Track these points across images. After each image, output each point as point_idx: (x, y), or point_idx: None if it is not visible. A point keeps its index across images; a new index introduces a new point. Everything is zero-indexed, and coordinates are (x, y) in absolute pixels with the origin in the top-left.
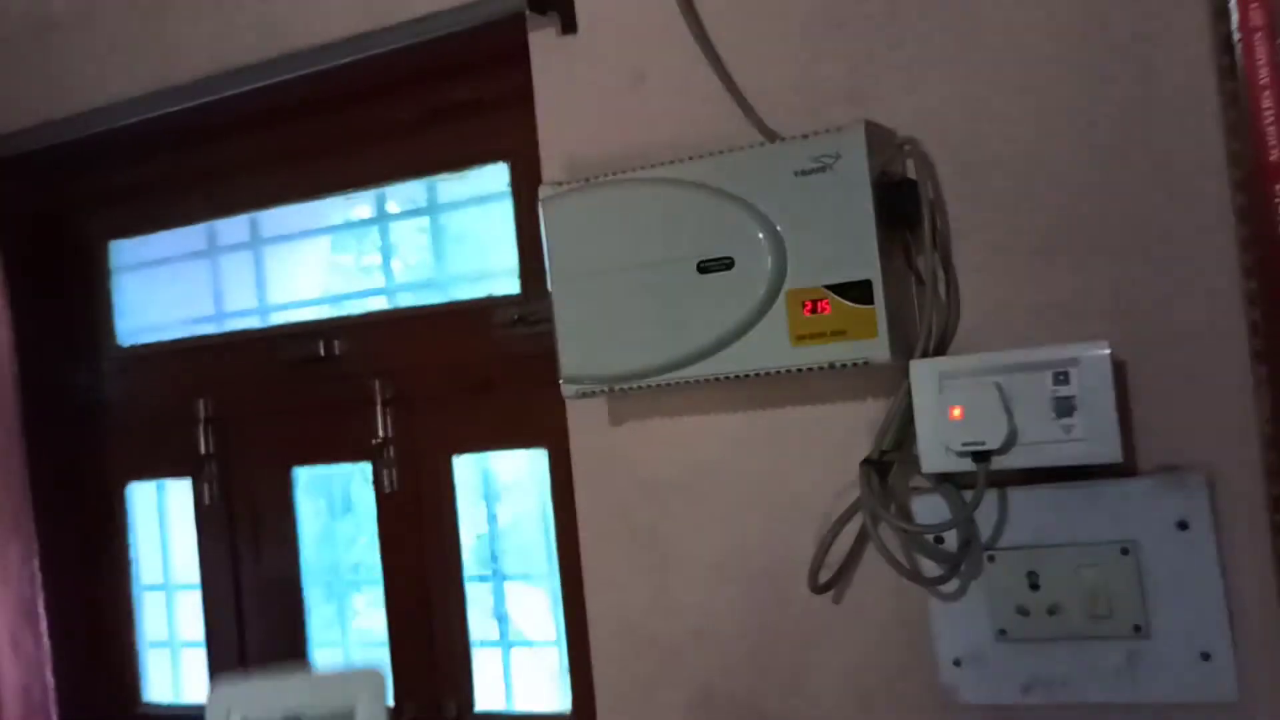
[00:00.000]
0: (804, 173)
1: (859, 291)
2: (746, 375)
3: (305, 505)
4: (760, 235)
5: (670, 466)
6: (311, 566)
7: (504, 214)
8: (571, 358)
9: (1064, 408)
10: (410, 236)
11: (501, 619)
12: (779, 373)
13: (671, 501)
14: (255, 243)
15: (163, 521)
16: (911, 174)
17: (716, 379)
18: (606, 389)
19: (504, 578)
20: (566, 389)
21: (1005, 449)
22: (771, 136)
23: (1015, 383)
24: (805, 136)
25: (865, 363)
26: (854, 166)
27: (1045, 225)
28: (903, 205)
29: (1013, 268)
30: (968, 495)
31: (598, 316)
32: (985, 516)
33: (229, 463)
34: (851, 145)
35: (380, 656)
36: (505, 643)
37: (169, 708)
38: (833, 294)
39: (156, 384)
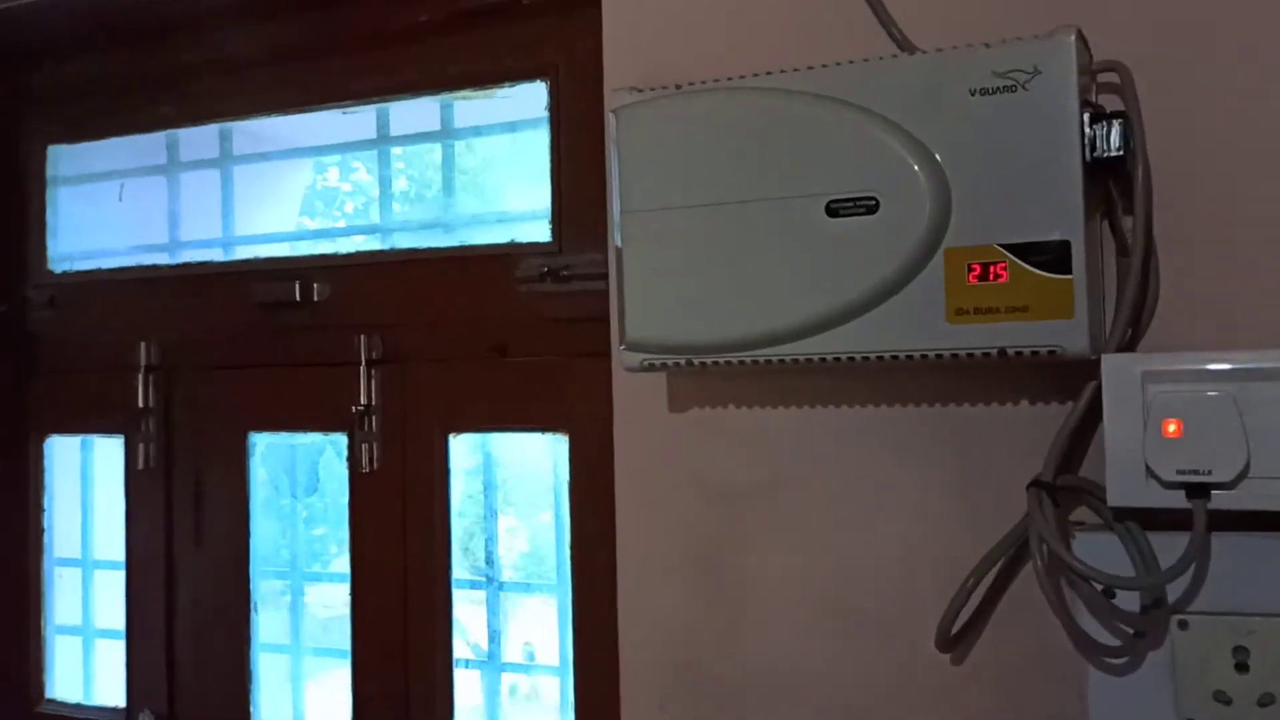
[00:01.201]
0: (984, 91)
1: (1052, 256)
2: (880, 357)
3: (261, 479)
4: (916, 169)
5: (749, 470)
6: (263, 553)
7: (535, 145)
8: (638, 318)
9: None
10: (417, 166)
11: (493, 635)
12: (926, 356)
13: (747, 515)
14: (225, 160)
15: (86, 485)
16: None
17: (836, 359)
18: (681, 361)
19: (501, 586)
20: (627, 358)
21: (1236, 483)
22: (908, 48)
23: (1251, 395)
24: (989, 45)
25: (1053, 352)
26: (1058, 88)
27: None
28: (1109, 147)
29: (1239, 250)
30: (1159, 540)
31: (679, 267)
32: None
33: (172, 421)
34: (1057, 58)
35: (339, 670)
36: (495, 664)
37: (76, 708)
38: (1013, 257)
39: (92, 320)
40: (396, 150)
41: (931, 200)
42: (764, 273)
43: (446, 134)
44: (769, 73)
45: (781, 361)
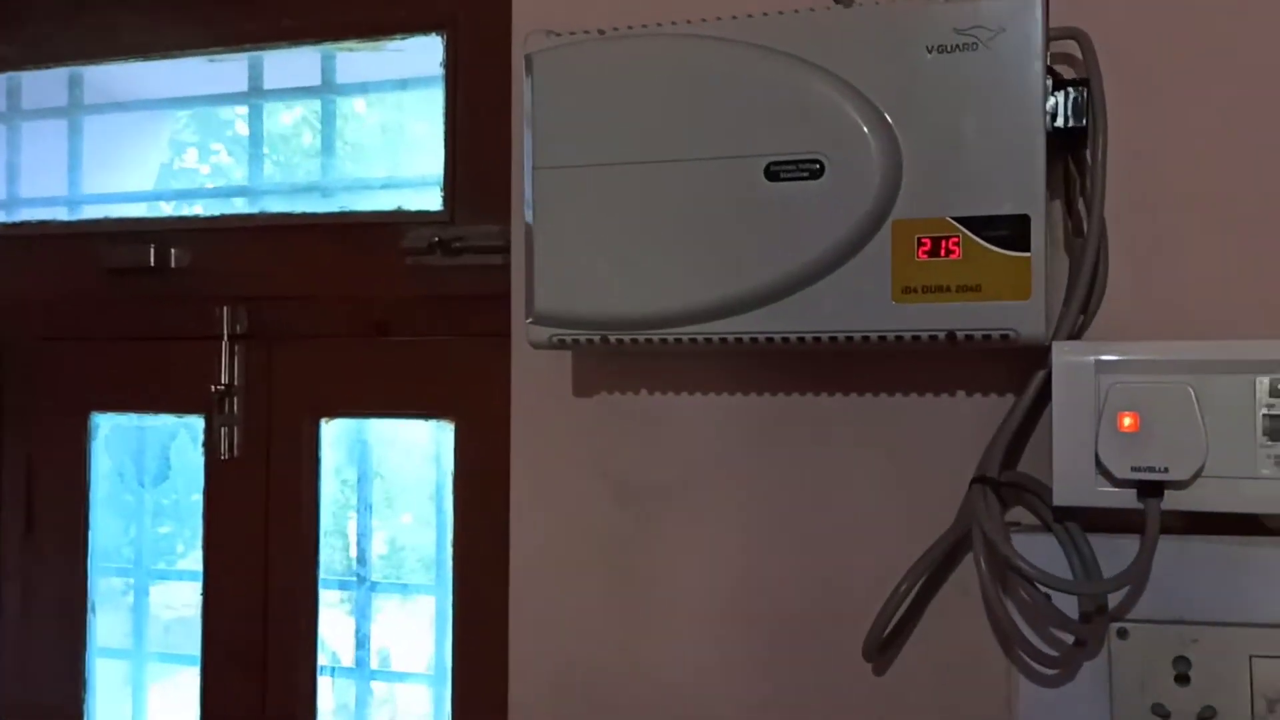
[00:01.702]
0: (943, 49)
1: (1009, 231)
2: (818, 338)
3: (103, 465)
4: (866, 132)
5: (660, 462)
6: (104, 549)
7: (426, 105)
8: (548, 288)
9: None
10: (292, 123)
11: (362, 640)
12: (869, 338)
13: (657, 511)
14: (74, 109)
15: None
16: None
17: (769, 339)
18: (595, 338)
19: (373, 587)
20: (534, 333)
21: (1191, 482)
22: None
23: (1208, 388)
24: None
25: (1006, 336)
26: (1022, 48)
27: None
28: (1073, 119)
29: (1194, 237)
30: (1105, 544)
31: (597, 231)
32: (1112, 572)
33: (3, 399)
34: (1022, 16)
35: (188, 678)
36: (364, 672)
37: None
38: (967, 231)
39: None
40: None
41: (881, 166)
42: (693, 241)
43: (328, 89)
44: (705, 20)
45: (709, 341)
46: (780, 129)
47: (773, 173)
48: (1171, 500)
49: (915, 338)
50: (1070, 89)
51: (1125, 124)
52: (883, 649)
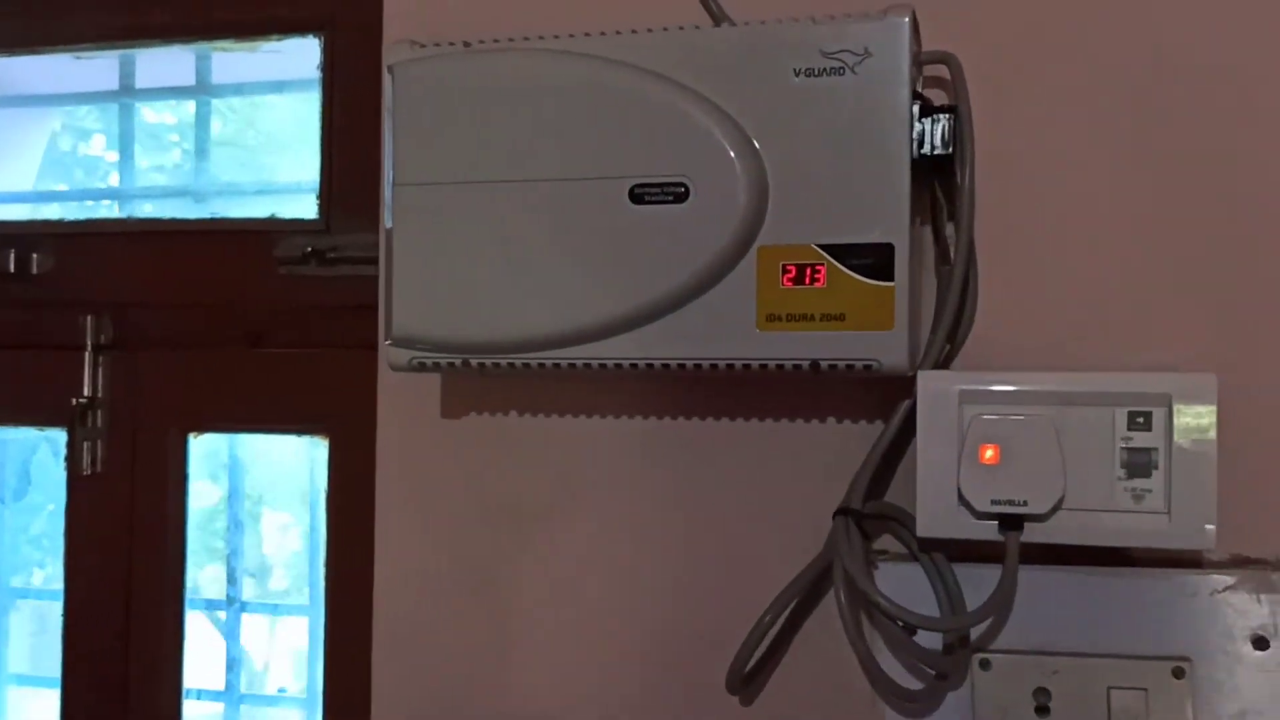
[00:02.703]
0: (810, 72)
1: (873, 260)
2: (682, 365)
3: None
4: (732, 155)
5: (531, 484)
6: None
7: (304, 109)
8: (408, 309)
9: (1139, 464)
10: (165, 125)
11: (233, 663)
12: (734, 366)
13: (526, 534)
14: None
15: None
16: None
17: (633, 365)
18: (457, 362)
19: (244, 607)
20: (393, 355)
21: (1050, 515)
22: (726, 20)
23: (1069, 420)
24: (817, 20)
25: (869, 366)
26: (889, 73)
27: (1129, 211)
28: (939, 145)
29: (1062, 265)
30: (966, 573)
31: (458, 252)
32: (978, 603)
33: None
34: (889, 40)
35: (47, 707)
36: (234, 696)
37: None
38: (831, 259)
39: None
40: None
41: (747, 191)
42: (556, 264)
43: (202, 90)
44: (573, 35)
45: (573, 366)
46: (645, 151)
47: (637, 195)
48: (1032, 533)
49: (779, 366)
50: (939, 115)
51: (998, 149)
52: (748, 680)
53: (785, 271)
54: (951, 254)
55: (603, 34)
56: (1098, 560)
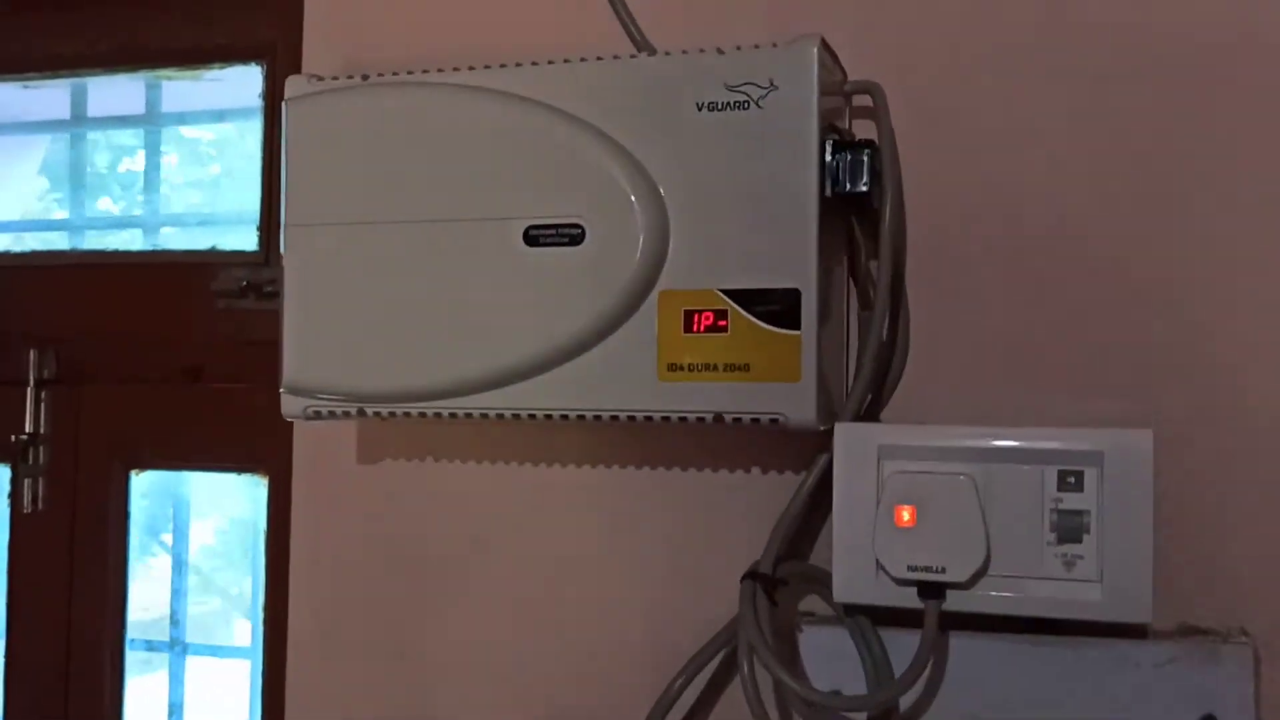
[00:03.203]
0: (713, 107)
1: (778, 306)
2: (581, 415)
3: None
4: (632, 198)
5: (444, 533)
6: None
7: (248, 138)
8: (300, 356)
9: (1070, 527)
10: (116, 155)
11: (174, 708)
12: (635, 418)
13: (439, 586)
14: None
15: None
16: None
17: (530, 416)
18: (352, 411)
19: (186, 650)
20: (288, 404)
21: (973, 582)
22: (648, 49)
23: (995, 479)
24: (721, 51)
25: (776, 420)
26: (795, 107)
27: (1059, 252)
28: (855, 181)
29: (994, 305)
30: (896, 639)
31: (351, 296)
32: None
33: None
34: (796, 71)
35: None
36: None
37: None
38: (735, 305)
39: None
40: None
41: (646, 232)
42: (450, 309)
43: (151, 119)
44: (472, 67)
45: (469, 416)
46: (539, 189)
47: (532, 237)
48: (955, 600)
49: (682, 419)
50: (856, 150)
51: (932, 182)
52: None
53: (687, 318)
54: (872, 298)
55: (503, 66)
56: (1035, 626)
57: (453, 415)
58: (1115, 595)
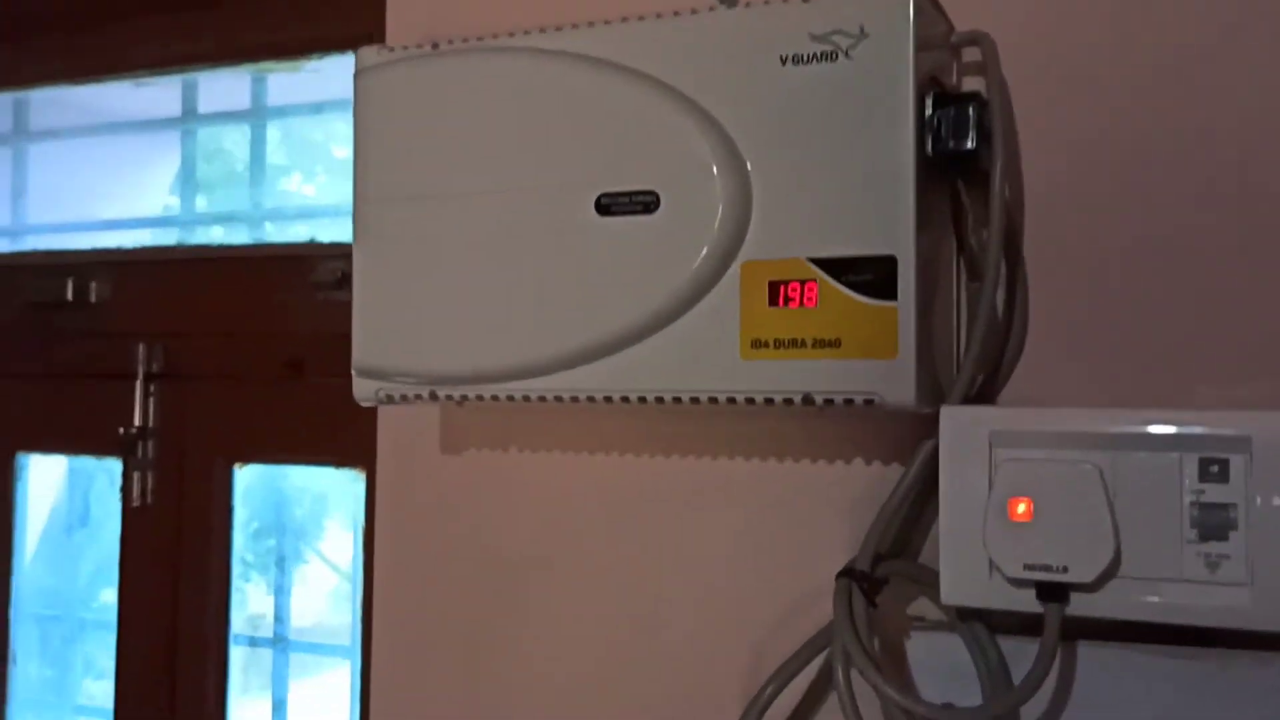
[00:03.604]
0: (797, 59)
1: (873, 275)
2: (658, 398)
3: (38, 507)
4: (710, 159)
5: (530, 529)
6: (27, 597)
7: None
8: (371, 337)
9: (1214, 523)
10: (225, 148)
11: (278, 705)
12: (716, 400)
13: (524, 585)
14: (19, 136)
15: None
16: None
17: (605, 398)
18: (425, 394)
19: (289, 646)
20: (360, 388)
21: (1100, 584)
22: (728, 1)
23: (1125, 468)
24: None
25: (870, 401)
26: (889, 57)
27: (1195, 216)
28: (959, 139)
29: (1123, 276)
30: (1017, 648)
31: (422, 274)
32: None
33: None
34: (889, 19)
35: None
36: None
37: None
38: (825, 275)
39: None
40: None
41: (726, 198)
42: (520, 285)
43: (256, 114)
44: (542, 30)
45: (542, 399)
46: (611, 155)
47: (604, 206)
48: (1079, 605)
49: (768, 400)
50: (966, 104)
51: (1050, 141)
52: None
53: (772, 290)
54: (982, 267)
55: (574, 27)
56: (1174, 636)
57: (525, 399)
58: (1267, 600)
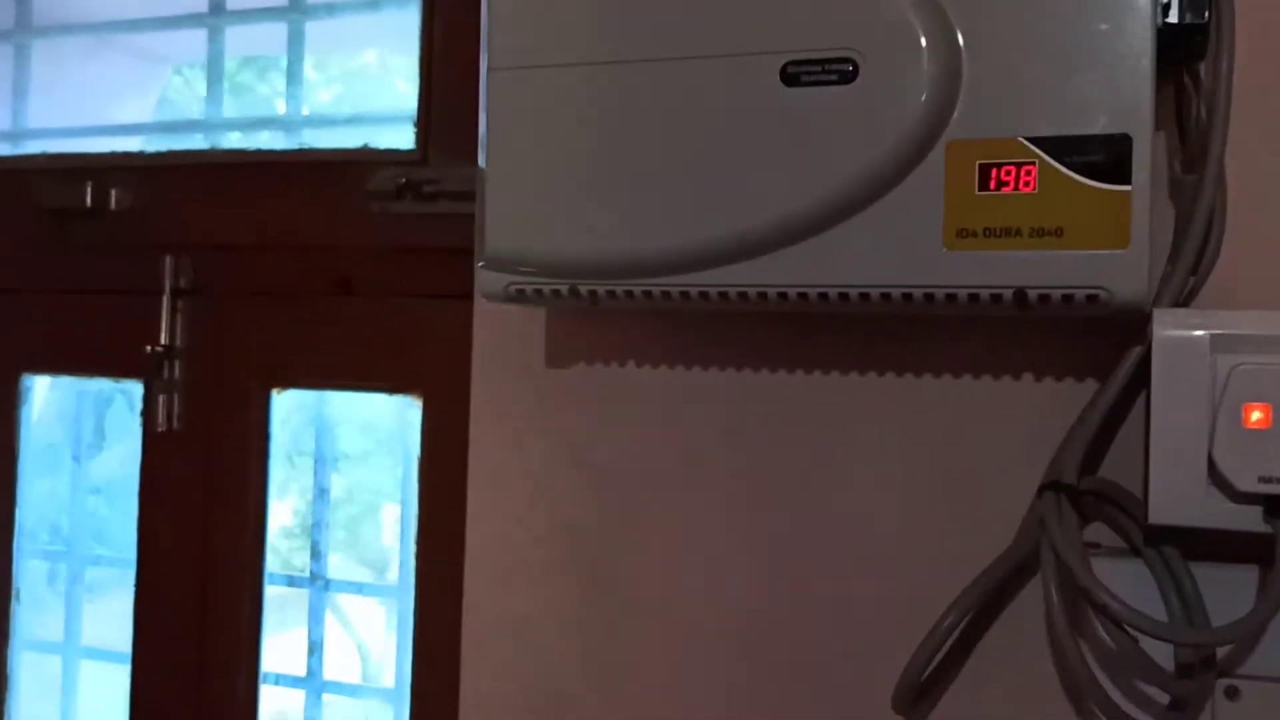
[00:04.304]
0: None
1: (1104, 157)
2: (844, 294)
3: (40, 433)
4: (912, 20)
5: (649, 450)
6: (31, 526)
7: (402, 29)
8: (505, 225)
9: None
10: (256, 50)
11: (315, 647)
12: (912, 296)
13: (642, 510)
14: (20, 31)
15: None
16: None
17: (780, 295)
18: (563, 289)
19: (328, 584)
20: (487, 280)
21: None
22: None
23: None
24: None
25: (1095, 297)
26: None
27: None
28: (1196, 12)
29: None
30: (1210, 575)
31: (565, 154)
32: (1218, 613)
33: None
34: None
35: (117, 680)
36: (316, 683)
37: None
38: (1045, 155)
39: None
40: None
41: (932, 67)
42: (688, 163)
43: (295, 10)
44: None
45: (705, 296)
46: (800, 17)
47: (791, 75)
48: None
49: (973, 296)
50: None
51: (1258, 26)
52: (918, 699)
53: (983, 173)
54: (1199, 160)
55: None
56: None
57: (684, 295)
58: None
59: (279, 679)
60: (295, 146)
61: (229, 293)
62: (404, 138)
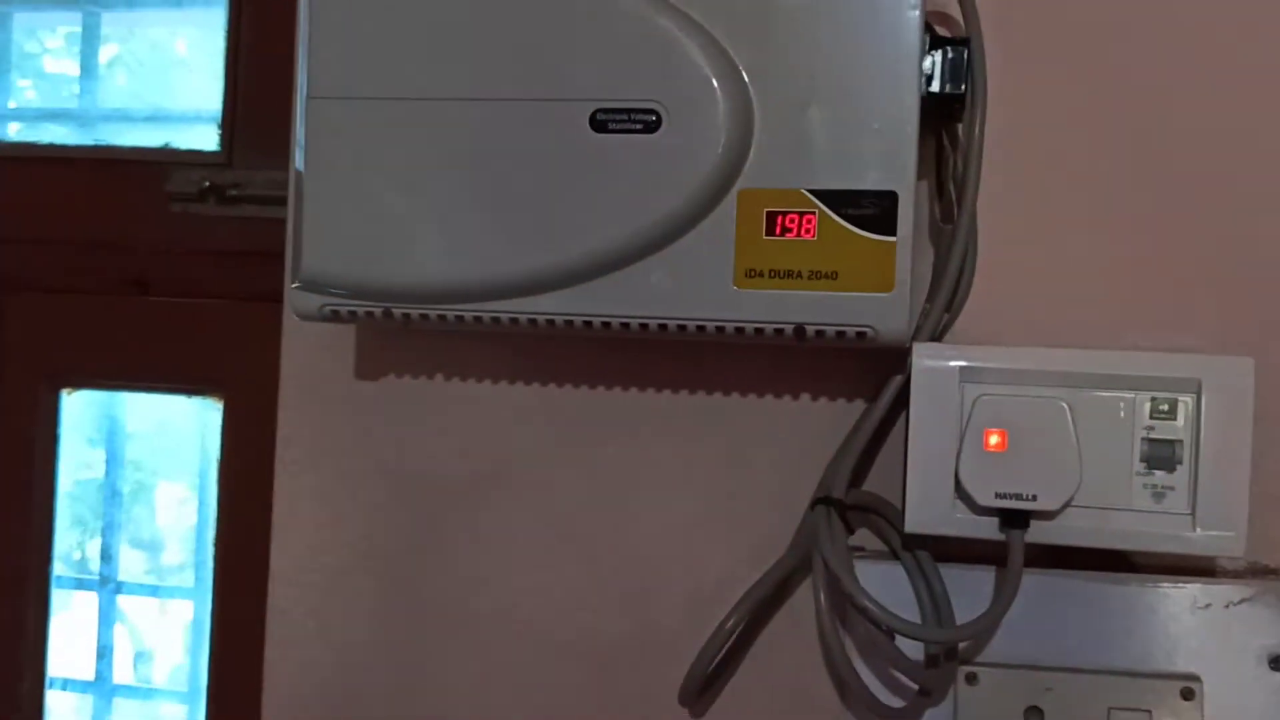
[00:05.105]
0: None
1: (874, 210)
2: (644, 324)
3: None
4: (713, 80)
5: (456, 460)
6: None
7: (207, 28)
8: (320, 248)
9: (1161, 457)
10: (53, 43)
11: (104, 650)
12: (705, 328)
13: (448, 519)
14: None
15: None
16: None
17: (585, 323)
18: (377, 312)
19: (118, 588)
20: (300, 301)
21: (1059, 511)
22: None
23: (1084, 405)
24: None
25: (864, 334)
26: None
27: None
28: (955, 83)
29: (1072, 223)
30: (956, 576)
31: (381, 182)
32: (962, 609)
33: None
34: None
35: None
36: (105, 688)
37: None
38: (824, 207)
39: None
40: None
41: (729, 122)
42: (503, 198)
43: (91, 2)
44: None
45: (514, 321)
46: (611, 68)
47: (600, 122)
48: (1037, 532)
49: (759, 330)
50: (948, 48)
51: (1005, 95)
52: (703, 691)
53: (770, 220)
54: (955, 211)
55: None
56: (1097, 564)
57: (495, 320)
58: (1206, 529)
59: (66, 684)
60: (90, 143)
61: (16, 288)
62: (207, 139)
